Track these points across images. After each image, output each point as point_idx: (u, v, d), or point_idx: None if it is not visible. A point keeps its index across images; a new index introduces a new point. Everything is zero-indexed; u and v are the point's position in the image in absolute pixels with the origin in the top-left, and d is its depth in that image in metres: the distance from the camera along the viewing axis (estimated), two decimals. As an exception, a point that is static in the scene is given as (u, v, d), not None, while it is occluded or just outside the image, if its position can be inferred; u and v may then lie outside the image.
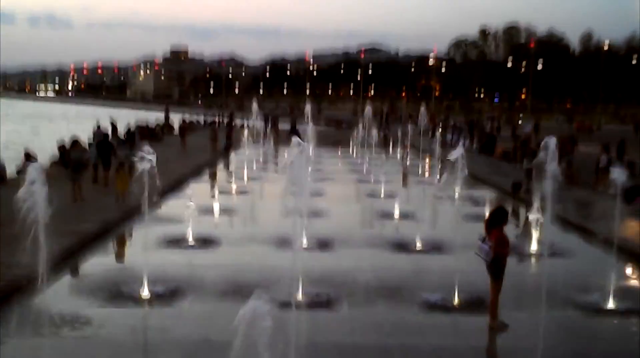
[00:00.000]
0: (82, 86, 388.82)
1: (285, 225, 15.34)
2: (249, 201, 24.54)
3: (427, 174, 34.10)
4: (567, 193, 24.93)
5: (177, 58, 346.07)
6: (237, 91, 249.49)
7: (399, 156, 41.49)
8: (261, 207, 23.62)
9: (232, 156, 38.31)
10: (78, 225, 17.38)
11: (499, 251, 11.09)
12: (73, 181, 20.28)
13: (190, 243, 16.87)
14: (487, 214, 13.49)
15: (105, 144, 27.81)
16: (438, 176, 31.42)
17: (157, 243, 16.61)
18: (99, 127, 38.43)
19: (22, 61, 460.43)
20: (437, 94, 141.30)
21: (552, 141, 15.41)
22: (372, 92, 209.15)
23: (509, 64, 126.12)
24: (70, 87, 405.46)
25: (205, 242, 16.98)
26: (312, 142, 35.93)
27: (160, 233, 17.58)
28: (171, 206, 22.11)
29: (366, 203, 24.89)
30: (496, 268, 11.16)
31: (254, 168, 34.39)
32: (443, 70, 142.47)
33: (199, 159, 34.91)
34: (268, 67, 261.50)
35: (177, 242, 16.92)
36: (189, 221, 17.53)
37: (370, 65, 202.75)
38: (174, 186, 25.36)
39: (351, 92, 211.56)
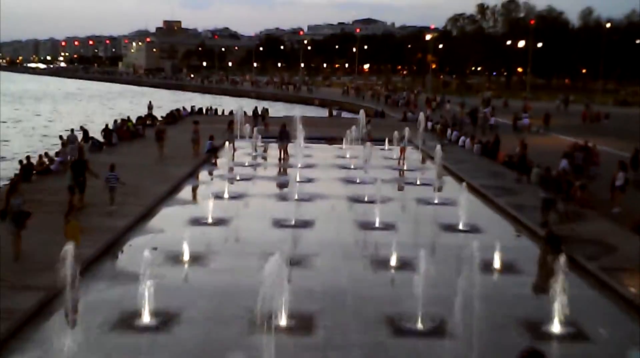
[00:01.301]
0: (75, 56, 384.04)
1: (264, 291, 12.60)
2: (224, 239, 21.52)
3: (424, 186, 30.97)
4: (581, 226, 22.21)
5: (171, 29, 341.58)
6: (230, 64, 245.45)
7: (394, 155, 38.57)
8: (240, 251, 20.47)
9: (214, 163, 35.79)
10: (10, 298, 14.53)
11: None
12: (13, 234, 17.26)
13: (145, 325, 13.99)
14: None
15: (80, 165, 24.88)
16: (436, 190, 28.64)
17: (105, 324, 13.81)
18: (72, 134, 35.38)
19: (15, 35, 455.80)
20: (433, 67, 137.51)
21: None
22: (368, 65, 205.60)
23: (508, 42, 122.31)
24: (62, 59, 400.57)
25: (165, 323, 14.08)
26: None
27: (114, 301, 14.86)
28: (133, 251, 19.20)
29: (358, 236, 22.00)
30: None
31: (238, 178, 31.53)
32: (440, 46, 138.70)
33: (176, 171, 31.77)
34: (262, 40, 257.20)
35: (130, 321, 14.07)
36: (148, 286, 14.62)
37: (366, 38, 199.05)
38: (139, 218, 22.49)
39: (346, 65, 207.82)
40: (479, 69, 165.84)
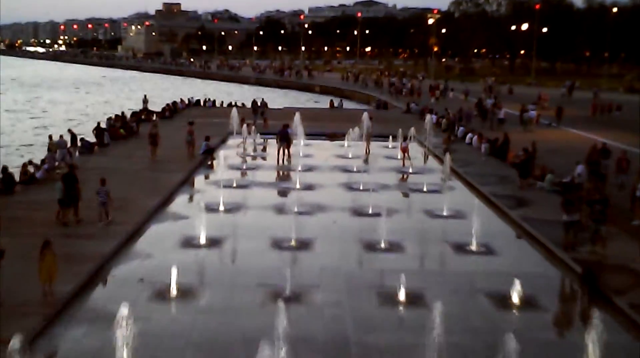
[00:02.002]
0: (75, 39, 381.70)
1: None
2: (218, 266, 19.72)
3: (432, 193, 29.19)
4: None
5: (170, 12, 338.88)
6: (230, 48, 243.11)
7: (398, 155, 36.64)
8: (234, 282, 18.56)
9: (210, 166, 34.21)
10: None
11: None
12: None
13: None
14: None
15: (71, 177, 23.21)
16: (445, 200, 26.66)
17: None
18: (61, 139, 33.58)
19: (14, 17, 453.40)
20: (435, 49, 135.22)
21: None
22: (369, 49, 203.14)
23: (513, 28, 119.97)
24: (61, 42, 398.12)
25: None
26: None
27: (91, 354, 13.30)
28: (117, 285, 17.59)
29: (362, 260, 20.32)
30: None
31: (234, 185, 29.77)
32: (444, 31, 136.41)
33: (169, 177, 30.01)
34: (262, 23, 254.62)
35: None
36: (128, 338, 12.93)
37: (367, 21, 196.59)
38: (126, 240, 20.79)
39: (347, 49, 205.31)
40: (482, 51, 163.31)
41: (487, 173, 32.38)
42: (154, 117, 52.89)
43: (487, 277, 18.34)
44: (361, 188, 29.55)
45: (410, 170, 34.07)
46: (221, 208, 25.46)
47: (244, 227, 23.59)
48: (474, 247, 20.94)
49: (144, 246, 20.72)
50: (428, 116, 42.22)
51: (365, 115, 40.84)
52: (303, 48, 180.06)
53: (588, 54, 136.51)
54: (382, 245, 20.97)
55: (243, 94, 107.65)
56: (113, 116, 45.78)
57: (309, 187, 29.61)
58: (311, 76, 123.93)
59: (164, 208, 25.38)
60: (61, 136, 33.55)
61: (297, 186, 29.60)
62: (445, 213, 25.32)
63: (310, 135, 42.08)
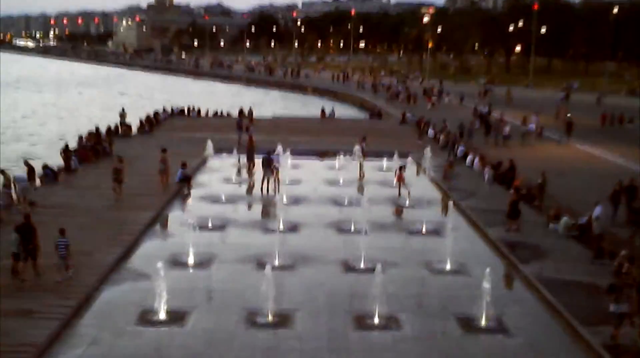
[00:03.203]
0: (66, 32, 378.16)
1: None
2: (179, 353, 16.42)
3: (431, 236, 25.99)
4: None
5: (162, 5, 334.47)
6: (222, 43, 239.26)
7: (394, 181, 33.22)
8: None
9: (187, 196, 31.00)
10: None
11: None
12: None
13: None
14: None
15: (27, 228, 19.87)
16: (447, 249, 23.32)
17: None
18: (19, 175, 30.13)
19: (6, 10, 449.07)
20: (430, 45, 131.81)
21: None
22: (363, 45, 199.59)
23: (511, 28, 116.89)
24: (51, 37, 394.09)
25: None
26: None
27: None
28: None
29: (353, 341, 17.04)
30: None
31: (209, 225, 26.47)
32: (439, 30, 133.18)
33: (136, 217, 26.64)
34: (255, 18, 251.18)
35: None
36: None
37: (361, 17, 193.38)
38: (71, 316, 17.39)
39: (341, 44, 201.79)
40: (476, 46, 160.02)
41: (492, 207, 29.05)
42: (134, 131, 49.81)
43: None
44: (352, 229, 26.30)
45: (407, 203, 30.79)
46: (190, 261, 22.19)
47: (214, 291, 20.26)
48: (483, 322, 17.71)
49: (92, 325, 17.27)
50: (427, 149, 38.10)
51: (357, 147, 37.96)
52: (296, 45, 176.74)
53: (584, 51, 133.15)
54: (376, 320, 17.69)
55: (232, 95, 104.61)
56: (86, 135, 42.21)
57: (293, 228, 26.44)
58: (301, 75, 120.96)
59: (124, 262, 22.00)
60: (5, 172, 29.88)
61: (280, 226, 26.29)
62: (447, 267, 22.07)
63: (298, 154, 39.43)
